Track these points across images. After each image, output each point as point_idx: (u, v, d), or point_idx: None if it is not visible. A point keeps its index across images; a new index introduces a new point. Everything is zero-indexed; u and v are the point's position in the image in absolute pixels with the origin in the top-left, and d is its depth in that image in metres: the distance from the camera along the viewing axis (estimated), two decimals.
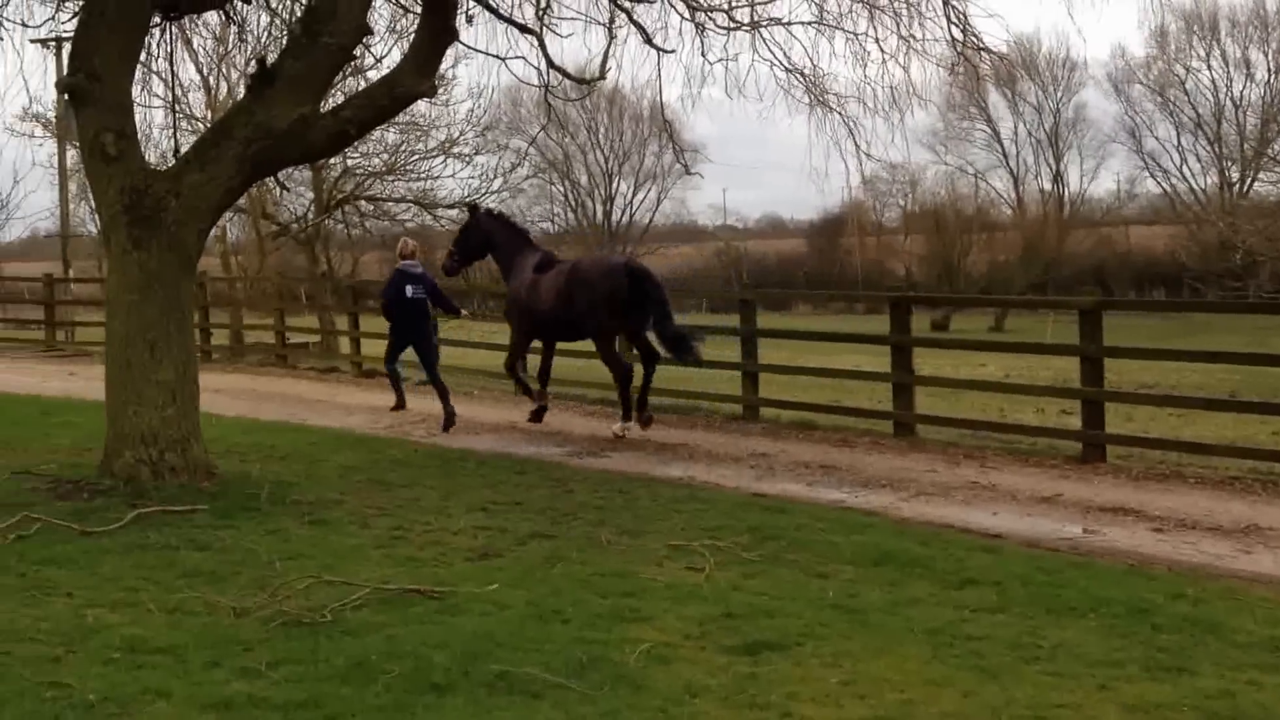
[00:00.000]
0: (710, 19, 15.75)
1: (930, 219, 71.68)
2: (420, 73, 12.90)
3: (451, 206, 35.40)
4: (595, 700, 6.20)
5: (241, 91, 17.45)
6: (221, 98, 31.46)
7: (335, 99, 18.93)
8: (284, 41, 13.65)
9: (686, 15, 15.72)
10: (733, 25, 15.76)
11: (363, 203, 37.19)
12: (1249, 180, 66.43)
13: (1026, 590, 8.21)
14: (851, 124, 16.03)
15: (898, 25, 15.09)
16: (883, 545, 9.42)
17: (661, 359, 15.32)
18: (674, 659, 6.85)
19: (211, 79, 32.29)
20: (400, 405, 17.12)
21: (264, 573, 8.57)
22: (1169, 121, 69.36)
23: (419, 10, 13.97)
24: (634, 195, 77.56)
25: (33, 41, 21.37)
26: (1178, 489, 11.97)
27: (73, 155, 37.21)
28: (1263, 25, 67.00)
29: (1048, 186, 74.81)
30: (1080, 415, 14.01)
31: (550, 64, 16.00)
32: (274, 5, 15.33)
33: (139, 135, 12.71)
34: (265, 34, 16.01)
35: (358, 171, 36.16)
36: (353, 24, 12.30)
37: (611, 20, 16.01)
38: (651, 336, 15.23)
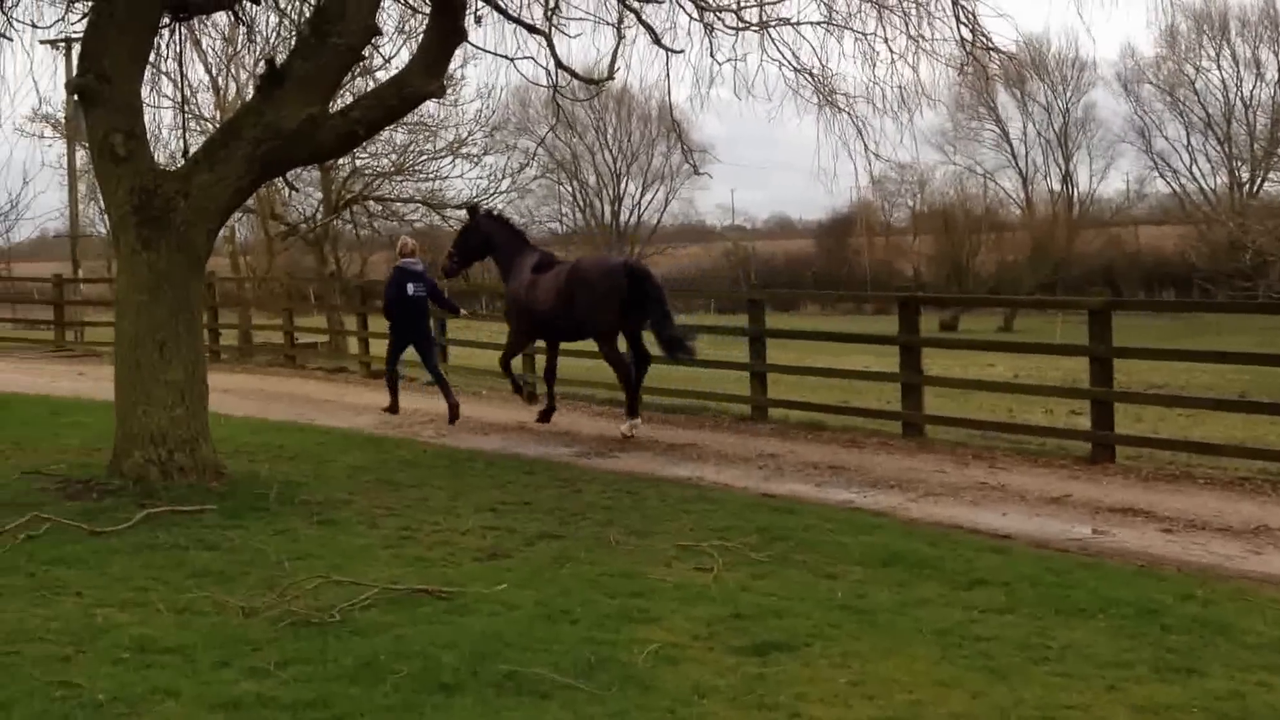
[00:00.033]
0: (719, 19, 15.76)
1: (939, 219, 71.63)
2: (429, 73, 12.91)
3: (460, 207, 35.38)
4: (604, 700, 6.20)
5: (250, 92, 17.43)
6: (230, 98, 31.47)
7: (344, 99, 18.92)
8: (293, 42, 13.67)
9: (695, 15, 15.73)
10: (741, 25, 15.76)
11: (371, 203, 37.24)
12: (1259, 180, 66.32)
13: (1035, 591, 8.19)
14: (860, 124, 16.04)
15: (906, 25, 15.09)
16: (891, 546, 9.41)
17: (652, 360, 15.45)
18: (682, 659, 6.85)
19: (220, 79, 32.30)
20: (393, 409, 17.05)
21: (273, 573, 8.58)
22: (1178, 121, 69.26)
23: (428, 11, 13.99)
24: (642, 195, 77.59)
25: (42, 42, 21.40)
26: (1187, 490, 11.94)
27: (82, 156, 37.27)
28: (1273, 25, 66.87)
29: (1057, 187, 74.72)
30: (1089, 416, 13.99)
31: (559, 64, 16.02)
32: (283, 6, 15.35)
33: (148, 136, 12.75)
34: (274, 34, 16.01)
35: (366, 172, 36.21)
36: (361, 24, 12.32)
37: (620, 20, 16.03)
38: (650, 337, 15.32)
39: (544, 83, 16.72)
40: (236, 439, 14.28)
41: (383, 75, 21.98)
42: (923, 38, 15.14)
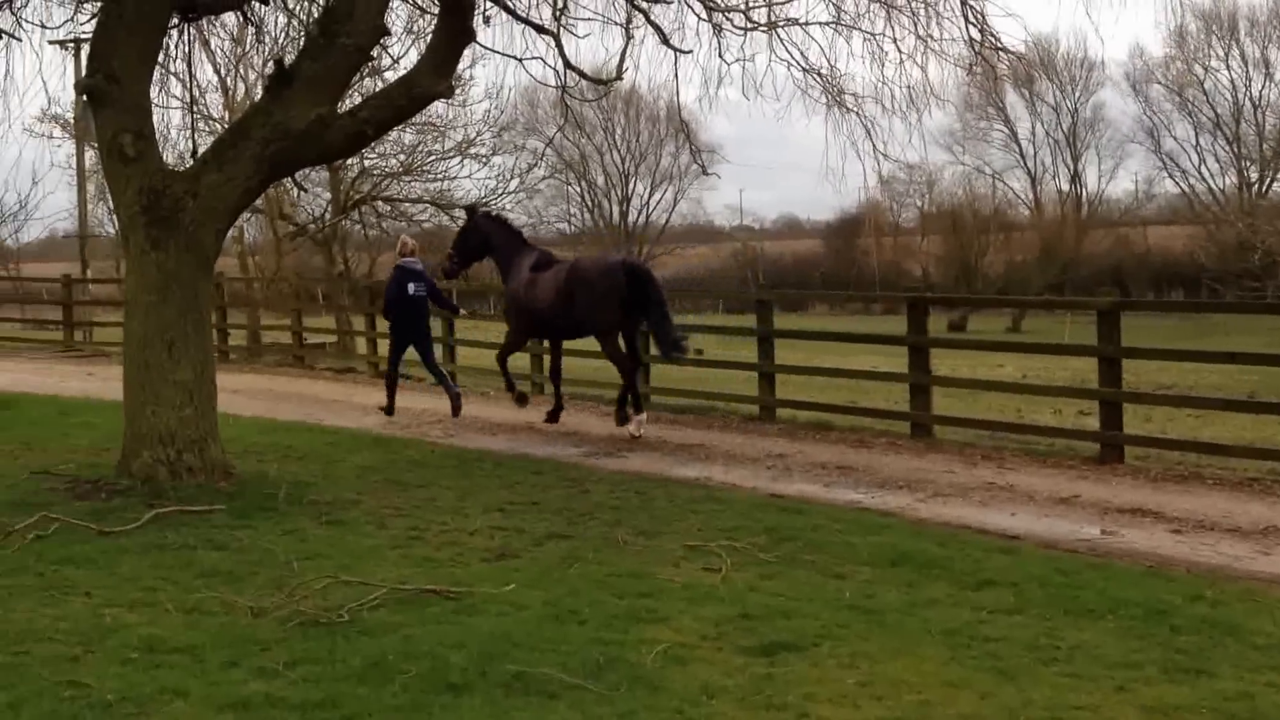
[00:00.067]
0: (727, 19, 15.73)
1: (947, 219, 71.65)
2: (438, 73, 12.91)
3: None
4: (612, 701, 6.20)
5: (259, 92, 17.48)
6: (239, 99, 31.52)
7: (353, 99, 18.95)
8: (301, 42, 13.68)
9: (703, 16, 15.71)
10: (750, 26, 15.74)
11: (380, 203, 37.25)
12: (1268, 180, 66.34)
13: (1044, 591, 8.18)
14: (869, 124, 15.99)
15: (915, 25, 15.05)
16: (900, 546, 9.40)
17: (650, 362, 15.56)
18: (691, 660, 6.85)
19: (229, 80, 32.36)
20: (389, 410, 17.07)
21: (281, 573, 8.58)
22: (1187, 121, 69.31)
23: (436, 11, 13.98)
24: (650, 196, 77.75)
25: (51, 43, 21.42)
26: (1196, 490, 11.92)
27: (91, 156, 37.36)
28: None
29: (1065, 187, 74.82)
30: (1098, 416, 13.97)
31: (567, 64, 16.01)
32: (291, 6, 15.37)
33: (157, 136, 12.75)
34: (283, 35, 16.04)
35: (375, 172, 36.23)
36: (370, 25, 12.32)
37: (628, 21, 16.01)
38: (649, 335, 15.40)
39: (552, 83, 16.75)
40: (245, 439, 14.30)
41: (391, 75, 22.02)
42: (931, 38, 15.12)
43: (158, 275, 11.80)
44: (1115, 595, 8.03)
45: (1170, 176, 71.13)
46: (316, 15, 13.46)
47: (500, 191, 37.37)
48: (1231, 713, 6.13)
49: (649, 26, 15.88)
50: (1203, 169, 69.31)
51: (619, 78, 17.37)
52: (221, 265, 26.51)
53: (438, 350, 19.62)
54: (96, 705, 6.11)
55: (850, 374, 18.21)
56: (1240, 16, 68.50)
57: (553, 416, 16.15)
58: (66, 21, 15.48)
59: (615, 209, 77.46)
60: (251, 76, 30.42)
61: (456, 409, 16.73)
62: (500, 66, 28.58)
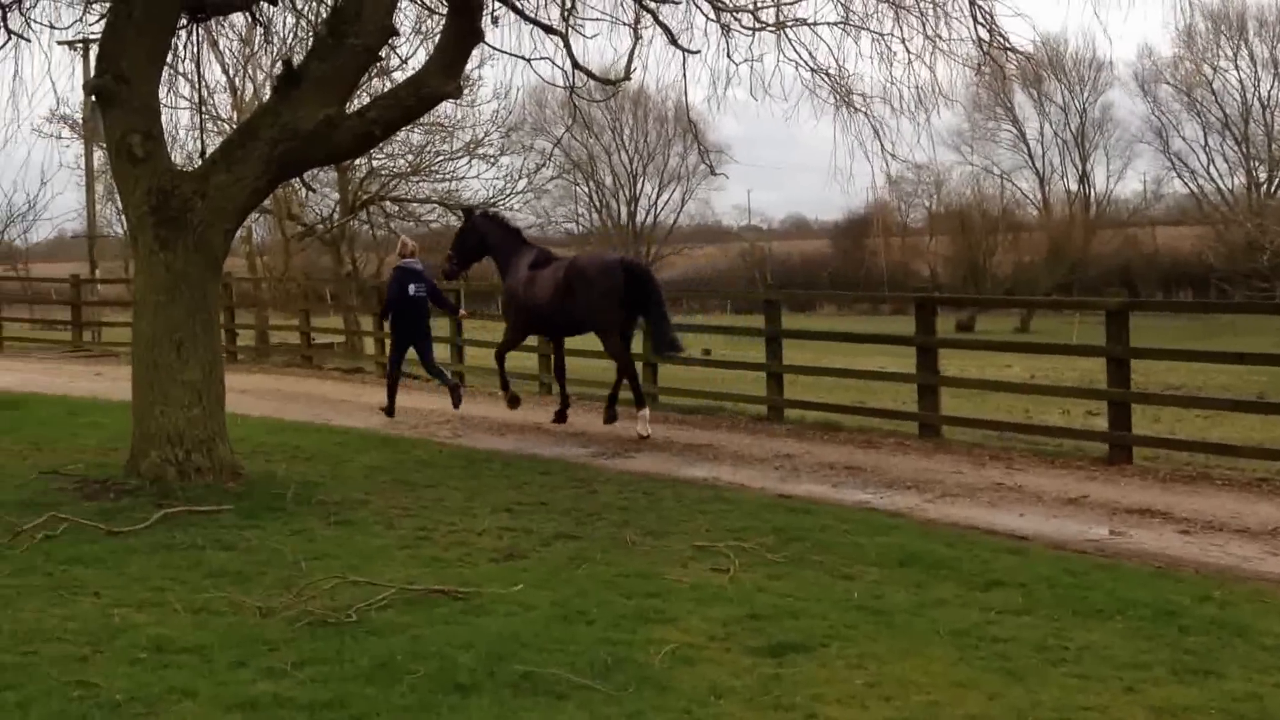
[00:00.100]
0: (735, 19, 15.73)
1: (955, 220, 71.56)
2: (446, 74, 12.92)
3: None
4: (620, 701, 6.20)
5: (268, 93, 17.48)
6: (248, 99, 31.53)
7: (361, 100, 18.96)
8: (310, 43, 13.69)
9: (712, 16, 15.70)
10: (758, 26, 15.73)
11: (388, 203, 37.27)
12: (1277, 180, 66.15)
13: (1053, 592, 8.18)
14: (877, 124, 15.97)
15: (924, 25, 15.04)
16: (908, 547, 9.39)
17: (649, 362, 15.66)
18: (699, 660, 6.85)
19: (238, 80, 32.38)
20: (389, 411, 17.07)
21: (289, 573, 8.59)
22: (1196, 121, 69.14)
23: (445, 12, 14.00)
24: (658, 196, 77.67)
25: (60, 43, 21.56)
26: (1205, 491, 11.90)
27: (100, 156, 37.44)
28: None
29: (1074, 187, 74.63)
30: (1106, 416, 13.96)
31: (575, 65, 16.01)
32: (300, 7, 15.38)
33: (166, 136, 12.78)
34: (291, 35, 16.04)
35: (383, 172, 36.24)
36: (378, 25, 12.34)
37: (636, 21, 16.02)
38: (648, 334, 15.47)
39: (560, 83, 16.74)
40: (253, 439, 14.31)
41: (400, 76, 21.96)
42: (940, 38, 15.10)
43: (166, 275, 11.82)
44: (1124, 596, 8.02)
45: (1179, 177, 71.07)
46: (325, 16, 13.46)
47: (508, 192, 37.43)
48: (1240, 714, 6.13)
49: (657, 27, 15.90)
50: (1211, 169, 69.22)
51: (627, 78, 17.40)
52: (230, 265, 26.41)
53: (444, 350, 19.66)
54: (105, 705, 6.12)
55: (858, 374, 18.20)
56: (1249, 17, 68.39)
57: (560, 417, 16.16)
58: (75, 22, 15.53)
59: (623, 209, 77.44)
60: (260, 77, 30.48)
61: (456, 401, 16.97)
62: (508, 67, 28.63)
